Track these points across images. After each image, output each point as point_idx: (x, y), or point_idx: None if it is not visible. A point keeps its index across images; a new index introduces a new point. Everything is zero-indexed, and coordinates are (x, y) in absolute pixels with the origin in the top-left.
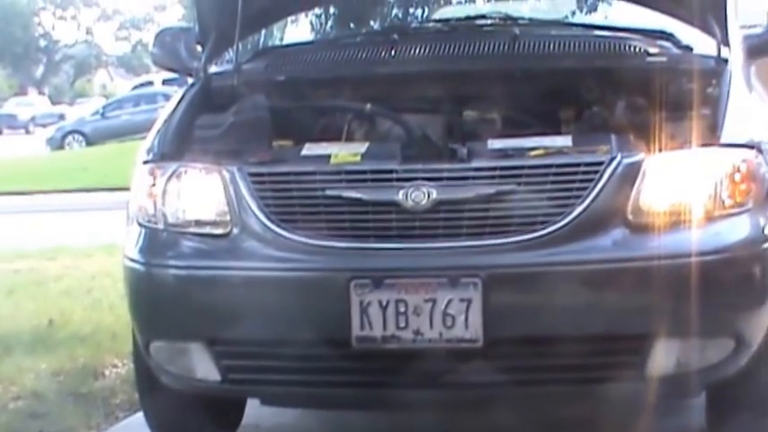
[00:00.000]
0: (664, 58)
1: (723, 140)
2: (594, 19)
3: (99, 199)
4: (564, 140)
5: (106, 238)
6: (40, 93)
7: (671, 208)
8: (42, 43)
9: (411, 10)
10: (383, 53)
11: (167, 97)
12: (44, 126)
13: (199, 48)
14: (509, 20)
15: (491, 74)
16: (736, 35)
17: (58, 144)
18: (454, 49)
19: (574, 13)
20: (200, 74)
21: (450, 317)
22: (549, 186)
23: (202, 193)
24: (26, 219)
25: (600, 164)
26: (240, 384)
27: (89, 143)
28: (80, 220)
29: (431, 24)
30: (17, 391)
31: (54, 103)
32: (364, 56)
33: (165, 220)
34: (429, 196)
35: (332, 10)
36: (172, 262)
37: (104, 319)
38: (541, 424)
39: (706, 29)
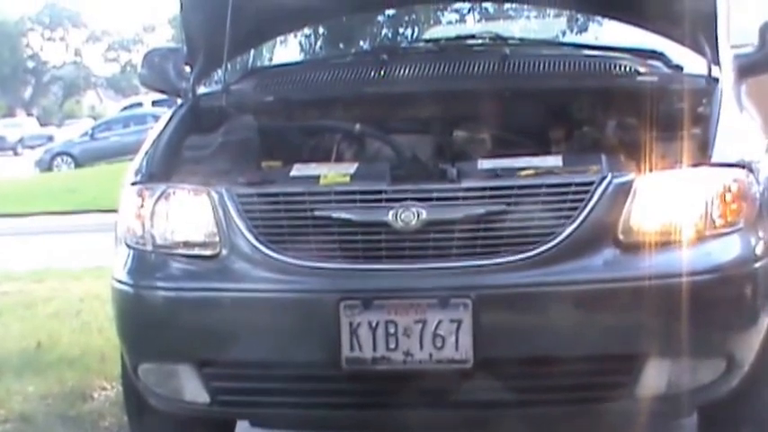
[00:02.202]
0: (654, 78)
1: (714, 160)
2: (585, 38)
3: (88, 221)
4: (554, 160)
5: (95, 260)
6: (29, 114)
7: (662, 228)
8: (31, 65)
9: (401, 30)
10: (372, 73)
11: (157, 118)
12: (32, 148)
13: (187, 68)
14: (499, 39)
15: (481, 94)
16: (726, 54)
17: (46, 166)
18: (444, 69)
19: (564, 33)
20: (189, 94)
21: (440, 338)
22: (539, 206)
23: (191, 215)
24: (14, 241)
25: (590, 184)
26: (229, 406)
27: (78, 165)
28: (69, 242)
29: (420, 44)
30: (5, 415)
31: (42, 124)
32: (353, 76)
33: (153, 241)
34: (418, 217)
35: (321, 30)
36: (160, 283)
37: (93, 342)
38: None
39: (696, 48)
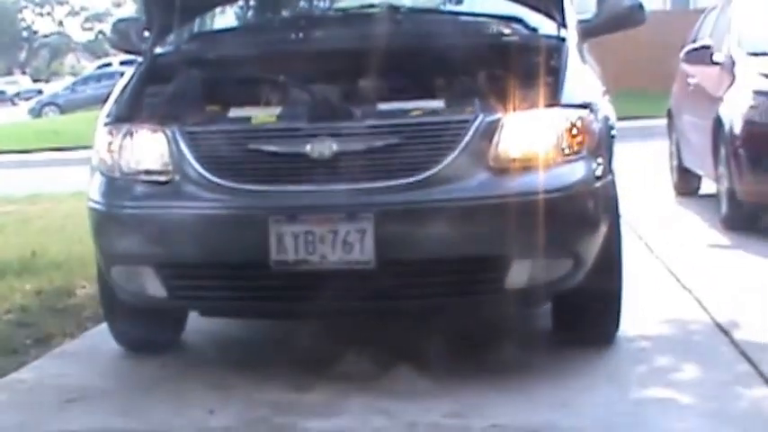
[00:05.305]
0: (516, 38)
1: (563, 102)
2: (461, 7)
3: (69, 156)
4: (438, 103)
5: (75, 186)
6: (23, 73)
7: (523, 156)
8: (24, 34)
9: (315, 2)
10: (293, 35)
11: (123, 75)
12: (26, 99)
13: (146, 33)
14: (393, 8)
15: (379, 51)
16: (572, 19)
17: (37, 113)
18: (350, 32)
19: (444, 3)
20: (148, 54)
21: (348, 244)
22: (425, 140)
23: (150, 149)
24: (12, 172)
25: (466, 122)
26: (183, 299)
27: (62, 112)
28: (54, 172)
29: (331, 12)
30: (9, 307)
31: (34, 80)
32: (278, 37)
33: (120, 169)
34: (331, 148)
35: (252, 1)
36: (126, 203)
37: (75, 250)
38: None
39: (548, 14)
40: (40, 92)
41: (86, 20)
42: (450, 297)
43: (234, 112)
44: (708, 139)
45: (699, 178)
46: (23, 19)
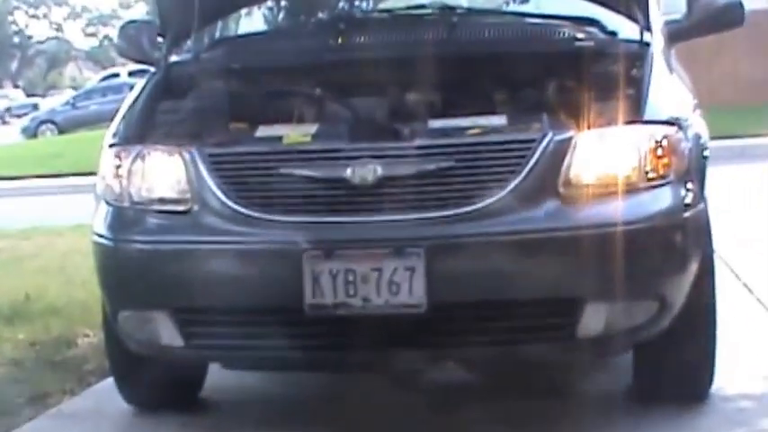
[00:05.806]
0: (591, 43)
1: (646, 118)
2: (527, 8)
3: (70, 182)
4: (499, 120)
5: (77, 219)
6: (15, 86)
7: (599, 181)
8: (16, 40)
9: (356, 1)
10: (331, 41)
11: (133, 88)
12: (19, 116)
13: (160, 39)
14: (447, 9)
15: (431, 59)
16: (657, 21)
17: (32, 133)
18: (397, 37)
19: (507, 3)
20: (162, 63)
21: (395, 284)
22: (485, 162)
23: (165, 173)
24: (3, 202)
25: (532, 141)
26: (203, 349)
27: (60, 131)
28: (53, 202)
29: (375, 14)
30: None
31: (28, 94)
32: (313, 44)
33: (130, 198)
34: (375, 173)
35: (282, 2)
36: (137, 237)
37: (76, 293)
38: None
39: (630, 16)
40: (35, 107)
41: (89, 23)
42: (513, 346)
43: (262, 131)
44: None
45: None
46: (15, 22)
